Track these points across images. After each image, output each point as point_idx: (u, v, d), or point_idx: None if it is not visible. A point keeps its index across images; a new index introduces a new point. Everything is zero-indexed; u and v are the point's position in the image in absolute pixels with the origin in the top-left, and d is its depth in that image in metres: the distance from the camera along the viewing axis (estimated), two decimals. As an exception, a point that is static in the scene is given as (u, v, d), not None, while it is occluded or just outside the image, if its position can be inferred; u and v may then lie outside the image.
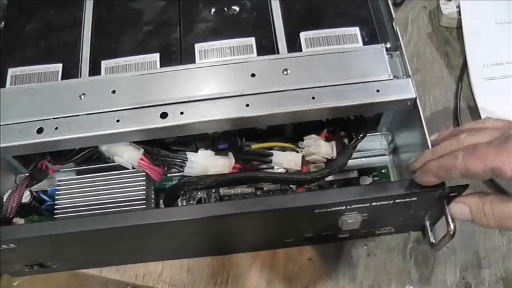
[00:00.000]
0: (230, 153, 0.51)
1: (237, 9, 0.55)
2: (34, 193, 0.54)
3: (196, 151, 0.51)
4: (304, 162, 0.52)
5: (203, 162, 0.50)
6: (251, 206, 0.43)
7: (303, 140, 0.52)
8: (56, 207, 0.51)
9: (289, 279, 0.54)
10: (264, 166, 0.55)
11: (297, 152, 0.52)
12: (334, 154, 0.51)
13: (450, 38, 0.67)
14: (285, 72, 0.49)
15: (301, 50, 0.51)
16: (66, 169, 0.55)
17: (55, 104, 0.48)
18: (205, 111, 0.47)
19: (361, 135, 0.52)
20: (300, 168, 0.51)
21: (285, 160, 0.51)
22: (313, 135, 0.52)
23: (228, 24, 0.54)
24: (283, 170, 0.52)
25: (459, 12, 0.66)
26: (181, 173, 0.51)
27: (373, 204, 0.44)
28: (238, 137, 0.52)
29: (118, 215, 0.45)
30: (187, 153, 0.50)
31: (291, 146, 0.53)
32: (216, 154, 0.51)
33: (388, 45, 0.51)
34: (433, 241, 0.51)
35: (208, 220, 0.44)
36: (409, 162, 0.45)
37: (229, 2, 0.55)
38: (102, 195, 0.51)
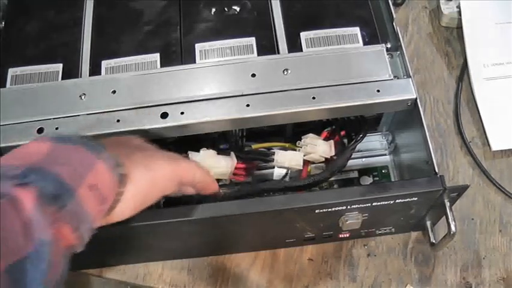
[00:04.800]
0: (232, 153, 0.51)
1: (238, 9, 0.55)
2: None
3: (198, 151, 0.51)
4: (306, 162, 0.52)
5: (205, 162, 0.50)
6: (252, 206, 0.43)
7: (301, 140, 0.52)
8: (56, 207, 0.51)
9: (289, 279, 0.54)
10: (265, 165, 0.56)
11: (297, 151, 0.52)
12: (333, 153, 0.51)
13: (450, 38, 0.67)
14: (286, 72, 0.49)
15: (301, 50, 0.51)
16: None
17: (55, 104, 0.48)
18: (205, 111, 0.47)
19: (360, 136, 0.52)
20: (301, 167, 0.51)
21: (286, 159, 0.51)
22: (310, 134, 0.52)
23: (228, 24, 0.54)
24: (284, 171, 0.53)
25: (459, 12, 0.66)
26: None
27: (374, 204, 0.44)
28: (239, 137, 0.52)
29: (118, 215, 0.45)
30: (189, 152, 0.50)
31: (291, 145, 0.53)
32: (218, 154, 0.51)
33: (389, 45, 0.51)
34: (434, 241, 0.52)
35: (209, 220, 0.44)
36: None
37: (229, 2, 0.55)
38: (103, 195, 0.51)
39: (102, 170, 0.33)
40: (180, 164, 0.40)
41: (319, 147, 0.51)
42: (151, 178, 0.37)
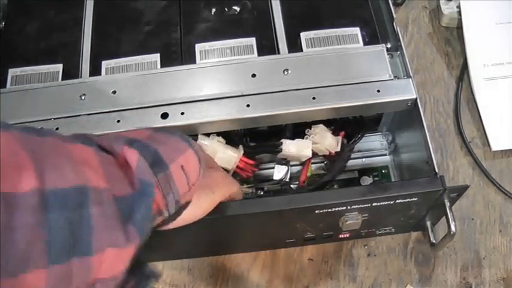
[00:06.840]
0: (241, 146, 0.51)
1: (238, 9, 0.55)
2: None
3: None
4: (306, 162, 0.52)
5: (213, 146, 0.49)
6: (252, 206, 0.43)
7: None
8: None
9: (289, 279, 0.54)
10: (265, 167, 0.56)
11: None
12: (338, 149, 0.51)
13: (450, 38, 0.67)
14: (286, 73, 0.49)
15: (301, 50, 0.51)
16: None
17: (56, 104, 0.48)
18: (206, 111, 0.47)
19: (358, 137, 0.52)
20: (310, 155, 0.51)
21: (294, 148, 0.51)
22: (320, 125, 0.52)
23: (228, 25, 0.54)
24: (284, 172, 0.53)
25: (459, 12, 0.66)
26: None
27: (374, 204, 0.44)
28: (243, 137, 0.52)
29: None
30: (199, 136, 0.50)
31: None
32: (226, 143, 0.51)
33: (389, 46, 0.51)
34: (434, 241, 0.52)
35: (209, 221, 0.44)
36: None
37: (229, 2, 0.55)
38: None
39: (191, 157, 0.37)
40: (233, 189, 0.44)
41: (326, 140, 0.51)
42: (212, 200, 0.41)
